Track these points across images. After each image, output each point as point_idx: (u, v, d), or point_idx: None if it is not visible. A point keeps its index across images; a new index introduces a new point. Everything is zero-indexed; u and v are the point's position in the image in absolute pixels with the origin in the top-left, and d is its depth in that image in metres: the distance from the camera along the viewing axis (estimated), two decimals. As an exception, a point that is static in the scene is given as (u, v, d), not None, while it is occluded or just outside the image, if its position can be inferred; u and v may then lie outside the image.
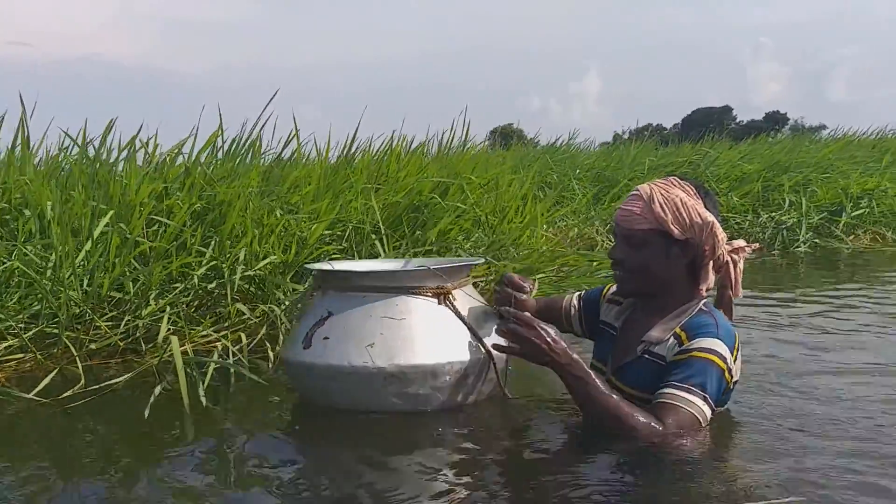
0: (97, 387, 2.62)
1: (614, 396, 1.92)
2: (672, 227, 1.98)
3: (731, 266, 2.04)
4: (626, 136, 12.77)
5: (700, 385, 1.89)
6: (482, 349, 2.26)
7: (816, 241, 6.71)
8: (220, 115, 3.75)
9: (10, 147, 3.54)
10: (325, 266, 2.53)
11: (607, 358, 2.19)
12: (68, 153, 3.72)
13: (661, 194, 2.00)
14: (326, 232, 3.76)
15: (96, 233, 3.16)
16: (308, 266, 2.59)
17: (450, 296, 2.30)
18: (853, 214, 6.94)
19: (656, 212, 1.98)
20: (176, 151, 3.80)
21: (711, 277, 2.06)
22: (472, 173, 4.67)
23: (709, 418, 1.91)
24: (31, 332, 2.89)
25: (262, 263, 3.30)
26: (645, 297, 2.12)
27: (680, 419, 1.88)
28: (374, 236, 3.69)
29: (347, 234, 3.89)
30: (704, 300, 2.05)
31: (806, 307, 4.00)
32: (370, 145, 4.88)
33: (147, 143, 3.79)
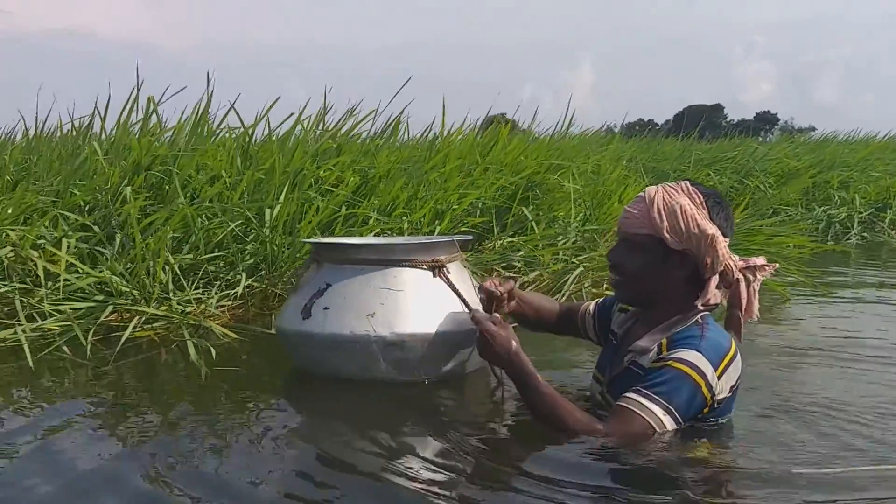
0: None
1: (556, 395, 1.94)
2: (667, 234, 1.93)
3: (744, 284, 1.99)
4: (617, 131, 13.24)
5: (664, 395, 1.85)
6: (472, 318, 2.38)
7: (864, 234, 7.45)
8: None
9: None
10: (323, 239, 2.79)
11: (605, 369, 2.17)
12: (231, 130, 4.27)
13: (664, 199, 1.95)
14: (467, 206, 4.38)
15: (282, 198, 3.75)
16: (305, 240, 2.80)
17: (444, 268, 2.48)
18: (898, 211, 7.70)
19: (653, 217, 1.94)
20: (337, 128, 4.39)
21: (714, 294, 1.98)
22: (574, 158, 5.31)
23: (668, 428, 1.87)
24: (246, 283, 3.46)
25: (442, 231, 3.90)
26: (642, 305, 2.10)
27: (628, 425, 1.85)
28: (522, 208, 4.31)
29: (479, 209, 4.51)
30: (703, 313, 1.98)
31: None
32: (463, 127, 5.48)
33: (301, 120, 4.37)
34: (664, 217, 1.93)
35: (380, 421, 2.18)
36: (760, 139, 14.15)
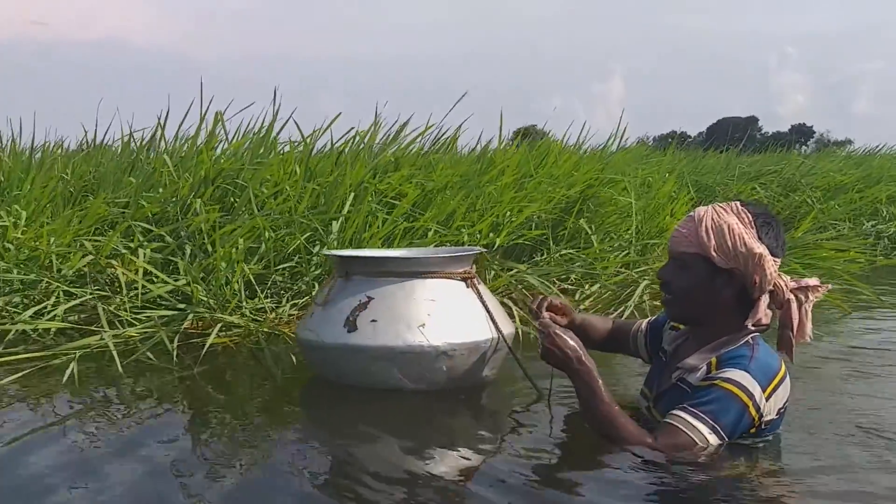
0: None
1: (615, 407, 1.99)
2: (714, 253, 1.97)
3: (795, 305, 2.00)
4: (650, 143, 13.17)
5: (711, 414, 1.90)
6: (496, 328, 2.58)
7: (914, 249, 7.39)
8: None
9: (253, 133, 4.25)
10: (355, 253, 2.85)
11: (653, 385, 2.21)
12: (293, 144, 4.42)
13: (712, 218, 1.98)
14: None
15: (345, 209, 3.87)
16: (331, 253, 2.80)
17: (475, 279, 2.65)
18: (949, 226, 7.63)
19: (701, 236, 1.98)
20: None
21: (765, 313, 2.01)
22: (625, 172, 5.39)
23: (713, 446, 1.90)
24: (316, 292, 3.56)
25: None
26: (692, 323, 2.14)
27: (675, 441, 1.90)
28: (580, 221, 4.40)
29: (534, 222, 4.60)
30: (753, 334, 2.01)
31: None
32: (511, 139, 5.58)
33: (364, 136, 4.50)
34: (712, 236, 1.97)
35: (443, 435, 2.28)
36: (796, 152, 14.05)
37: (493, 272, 4.03)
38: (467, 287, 2.63)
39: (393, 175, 4.15)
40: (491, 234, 4.23)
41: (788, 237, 5.32)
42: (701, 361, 1.99)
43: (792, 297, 2.00)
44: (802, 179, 8.19)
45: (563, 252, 4.45)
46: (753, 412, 1.92)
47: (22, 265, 3.51)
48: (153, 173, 4.22)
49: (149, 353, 2.92)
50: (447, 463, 2.03)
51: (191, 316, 3.15)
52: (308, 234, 3.63)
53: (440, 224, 4.09)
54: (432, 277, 2.58)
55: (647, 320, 2.50)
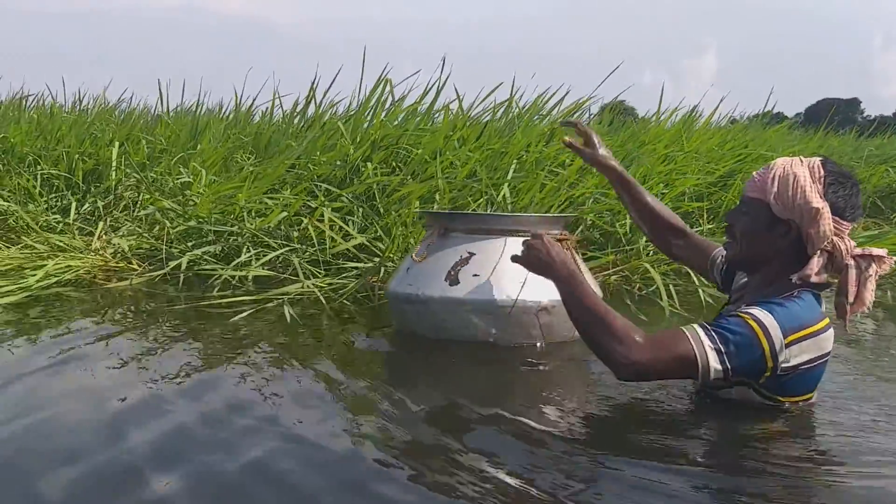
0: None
1: (601, 302, 1.98)
2: (774, 200, 1.96)
3: (854, 272, 1.96)
4: (743, 122, 12.91)
5: (722, 336, 1.87)
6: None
7: None
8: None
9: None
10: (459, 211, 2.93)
11: None
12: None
13: (784, 168, 1.97)
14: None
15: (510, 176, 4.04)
16: (435, 211, 2.87)
17: (567, 242, 2.62)
18: None
19: (766, 182, 1.98)
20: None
21: (817, 272, 1.95)
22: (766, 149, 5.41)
23: (712, 368, 1.86)
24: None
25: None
26: (746, 269, 2.13)
27: (671, 341, 1.88)
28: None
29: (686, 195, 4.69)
30: (802, 289, 1.96)
31: None
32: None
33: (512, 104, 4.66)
34: (776, 184, 1.95)
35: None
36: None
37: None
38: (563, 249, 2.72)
39: (551, 146, 4.29)
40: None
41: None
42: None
43: (852, 262, 1.95)
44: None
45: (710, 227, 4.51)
46: (768, 354, 1.87)
47: (214, 219, 3.81)
48: (321, 136, 4.47)
49: (346, 300, 3.15)
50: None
51: (382, 270, 3.36)
52: (484, 198, 3.81)
53: (600, 191, 4.21)
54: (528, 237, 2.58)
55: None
